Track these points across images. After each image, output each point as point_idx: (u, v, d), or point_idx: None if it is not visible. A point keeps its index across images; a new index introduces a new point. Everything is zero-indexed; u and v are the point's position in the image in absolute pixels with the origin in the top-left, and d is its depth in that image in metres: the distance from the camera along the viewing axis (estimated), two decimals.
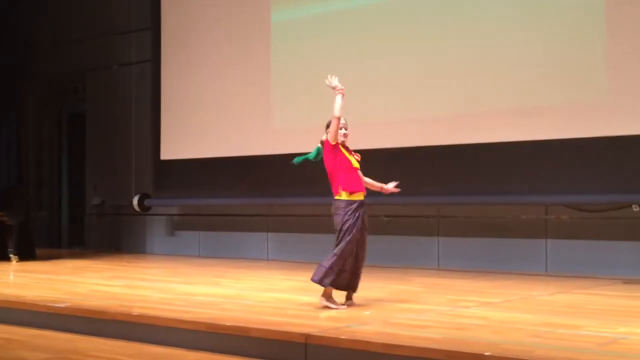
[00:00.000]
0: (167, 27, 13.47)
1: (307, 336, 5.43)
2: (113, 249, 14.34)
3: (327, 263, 6.61)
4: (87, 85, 15.24)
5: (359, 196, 6.71)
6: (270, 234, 12.51)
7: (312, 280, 6.68)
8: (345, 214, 6.62)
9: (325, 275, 6.61)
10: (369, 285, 8.48)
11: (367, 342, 5.18)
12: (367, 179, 6.94)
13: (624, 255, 9.28)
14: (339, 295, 6.85)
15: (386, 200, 10.32)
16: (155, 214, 13.95)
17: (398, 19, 10.75)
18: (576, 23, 9.36)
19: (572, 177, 9.34)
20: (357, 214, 6.64)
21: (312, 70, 11.53)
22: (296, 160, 7.02)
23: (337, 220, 6.65)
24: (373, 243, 11.02)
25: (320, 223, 11.84)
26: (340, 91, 6.72)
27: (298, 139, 11.63)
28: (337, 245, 6.64)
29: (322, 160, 6.85)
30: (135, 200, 13.58)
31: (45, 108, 15.83)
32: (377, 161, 10.43)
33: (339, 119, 6.65)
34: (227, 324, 5.93)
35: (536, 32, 9.64)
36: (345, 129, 6.80)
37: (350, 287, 6.85)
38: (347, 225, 6.61)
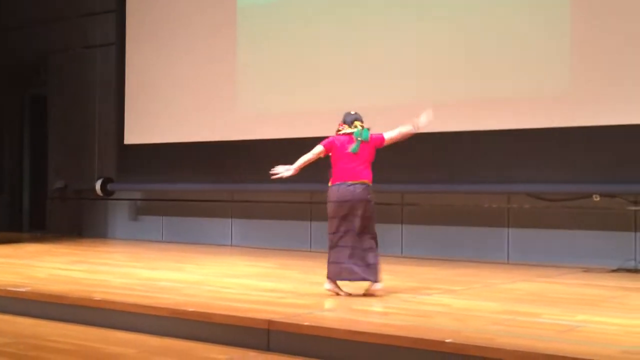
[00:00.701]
0: (131, 10, 13.33)
1: (270, 322, 5.43)
2: (75, 233, 14.21)
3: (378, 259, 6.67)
4: (50, 67, 15.04)
5: None
6: (234, 220, 12.48)
7: (379, 282, 6.64)
8: None
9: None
10: None
11: (330, 329, 5.20)
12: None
13: (584, 244, 9.40)
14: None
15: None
16: (118, 198, 13.85)
17: (365, 4, 10.74)
18: (541, 14, 9.42)
19: (535, 166, 9.43)
20: None
21: (278, 57, 11.50)
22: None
23: (374, 208, 6.71)
24: None
25: (284, 209, 11.85)
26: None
27: (263, 125, 11.64)
28: (374, 237, 6.67)
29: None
30: (97, 185, 13.47)
31: (6, 90, 15.59)
32: None
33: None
34: (190, 310, 5.91)
35: (502, 22, 9.68)
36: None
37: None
38: None
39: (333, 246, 6.65)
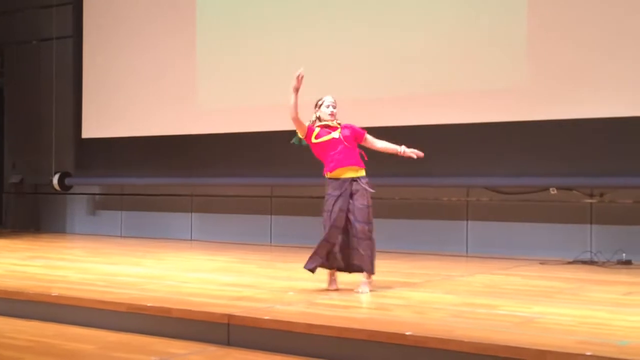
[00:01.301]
0: (89, 2, 13.19)
1: (230, 316, 5.42)
2: (32, 229, 14.05)
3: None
4: (6, 60, 14.83)
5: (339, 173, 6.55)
6: (194, 214, 12.42)
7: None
8: (327, 193, 6.52)
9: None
10: (293, 266, 8.51)
11: (290, 323, 5.20)
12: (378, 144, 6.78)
13: (542, 236, 9.53)
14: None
15: (310, 182, 10.35)
16: (76, 193, 13.71)
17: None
18: (498, 7, 9.50)
19: (493, 160, 9.52)
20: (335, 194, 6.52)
21: (238, 51, 11.46)
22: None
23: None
24: (297, 224, 11.10)
25: (244, 203, 11.82)
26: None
27: (223, 119, 11.59)
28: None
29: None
30: (55, 179, 13.33)
31: None
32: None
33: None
34: (149, 305, 5.87)
35: (459, 16, 9.74)
36: (334, 107, 6.66)
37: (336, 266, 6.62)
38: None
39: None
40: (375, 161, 10.33)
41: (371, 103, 10.28)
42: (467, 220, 10.06)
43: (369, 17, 10.36)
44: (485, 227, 9.94)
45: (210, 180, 11.81)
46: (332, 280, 6.65)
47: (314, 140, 6.63)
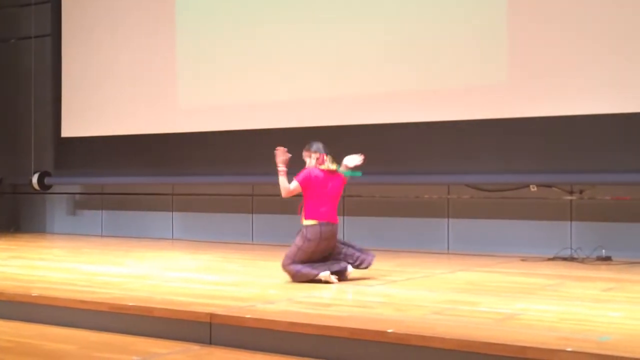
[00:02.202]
0: (67, 0, 13.11)
1: (212, 315, 5.41)
2: (11, 229, 13.95)
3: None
4: None
5: None
6: (175, 213, 12.39)
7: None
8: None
9: None
10: (275, 265, 8.51)
11: (272, 321, 5.20)
12: None
13: (522, 233, 9.57)
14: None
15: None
16: (55, 192, 13.63)
17: None
18: (478, 5, 9.53)
19: (474, 157, 9.55)
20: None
21: (218, 49, 11.43)
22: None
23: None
24: (279, 222, 11.10)
25: (225, 202, 11.79)
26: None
27: (203, 118, 11.57)
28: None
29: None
30: (34, 179, 13.24)
31: None
32: (278, 141, 10.42)
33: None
34: (130, 304, 5.86)
35: (438, 14, 9.77)
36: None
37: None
38: None
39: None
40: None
41: (350, 101, 10.28)
42: (448, 217, 10.09)
43: (347, 16, 10.36)
44: (466, 225, 9.97)
45: (191, 179, 11.78)
46: None
47: None
